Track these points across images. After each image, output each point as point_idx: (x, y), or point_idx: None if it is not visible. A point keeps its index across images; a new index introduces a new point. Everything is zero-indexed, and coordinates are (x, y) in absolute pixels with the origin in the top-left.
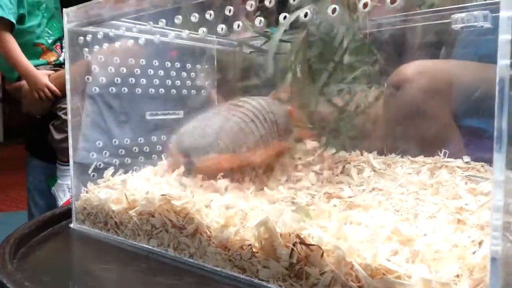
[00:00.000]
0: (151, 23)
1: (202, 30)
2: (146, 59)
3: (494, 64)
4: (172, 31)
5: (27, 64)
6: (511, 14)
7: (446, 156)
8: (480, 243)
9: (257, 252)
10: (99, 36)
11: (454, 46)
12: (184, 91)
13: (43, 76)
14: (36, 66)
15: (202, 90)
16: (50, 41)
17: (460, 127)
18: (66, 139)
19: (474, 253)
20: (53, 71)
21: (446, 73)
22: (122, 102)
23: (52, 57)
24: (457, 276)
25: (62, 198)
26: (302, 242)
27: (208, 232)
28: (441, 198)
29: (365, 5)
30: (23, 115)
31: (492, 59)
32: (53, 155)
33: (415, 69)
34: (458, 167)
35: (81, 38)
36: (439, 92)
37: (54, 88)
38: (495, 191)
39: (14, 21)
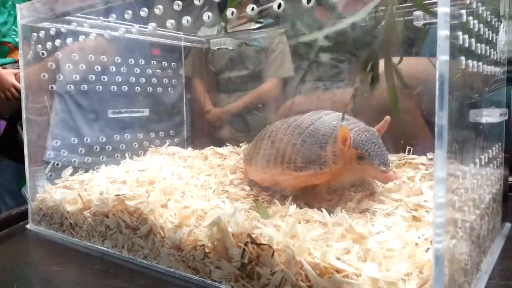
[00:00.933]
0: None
1: (170, 23)
2: (108, 55)
3: None
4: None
5: None
6: (448, 10)
7: (411, 153)
8: (432, 241)
9: (210, 253)
10: (52, 32)
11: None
12: (150, 89)
13: (9, 75)
14: (2, 65)
15: (169, 88)
16: (17, 39)
17: (431, 124)
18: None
19: (426, 250)
20: (18, 70)
21: (415, 70)
22: (88, 100)
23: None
24: (407, 274)
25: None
26: (254, 241)
27: (162, 233)
28: (402, 195)
29: None
30: None
31: None
32: (23, 155)
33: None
34: (422, 164)
35: (35, 34)
36: (410, 90)
37: (20, 87)
38: (437, 188)
39: None
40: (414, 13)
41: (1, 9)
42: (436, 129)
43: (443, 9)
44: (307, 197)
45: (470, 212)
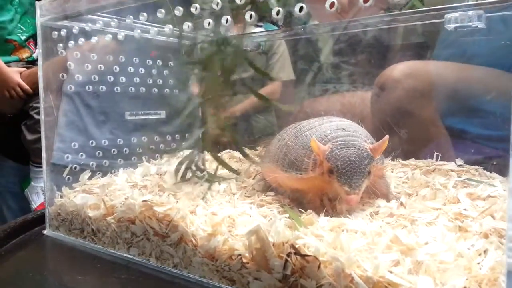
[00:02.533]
0: (131, 17)
1: (187, 25)
2: (125, 56)
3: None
4: (153, 27)
5: None
6: None
7: (439, 159)
8: (485, 252)
9: (248, 263)
10: (75, 31)
11: (447, 47)
12: (166, 90)
13: (14, 73)
14: (7, 63)
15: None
16: (23, 37)
17: (446, 129)
18: (39, 140)
19: (479, 263)
20: (25, 68)
21: (433, 74)
22: (100, 101)
23: (24, 54)
24: None
25: (36, 201)
26: (297, 252)
27: (194, 241)
28: (438, 203)
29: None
30: None
31: (480, 60)
32: (26, 156)
33: (402, 70)
34: (451, 170)
35: (55, 32)
36: (427, 94)
37: (26, 86)
38: (510, 199)
39: None
40: (445, 16)
41: (7, 6)
42: (511, 140)
43: None
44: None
45: None
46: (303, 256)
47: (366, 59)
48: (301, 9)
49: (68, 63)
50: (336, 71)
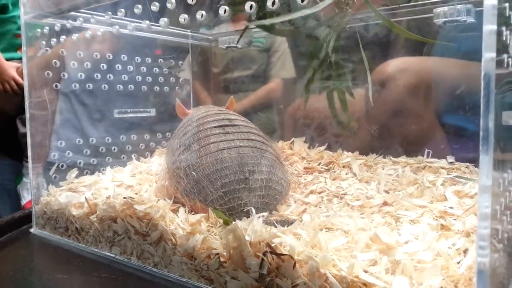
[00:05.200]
0: (109, 13)
1: (164, 21)
2: (113, 53)
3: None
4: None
5: None
6: (496, 2)
7: (430, 156)
8: (465, 252)
9: (225, 262)
10: (57, 28)
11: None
12: (156, 88)
13: (11, 68)
14: (11, 59)
15: (176, 87)
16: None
17: (441, 126)
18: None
19: (459, 262)
20: (21, 65)
21: (429, 70)
22: (92, 99)
23: (29, 52)
24: None
25: (26, 197)
26: (273, 251)
27: (173, 240)
28: (425, 201)
29: None
30: None
31: (475, 56)
32: (21, 152)
33: (397, 66)
34: (442, 167)
35: (39, 30)
36: (422, 90)
37: (21, 81)
38: (481, 196)
39: None
40: (434, 10)
41: (19, 4)
42: (481, 133)
43: (490, 1)
44: None
45: (508, 222)
46: (279, 255)
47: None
48: None
49: (54, 61)
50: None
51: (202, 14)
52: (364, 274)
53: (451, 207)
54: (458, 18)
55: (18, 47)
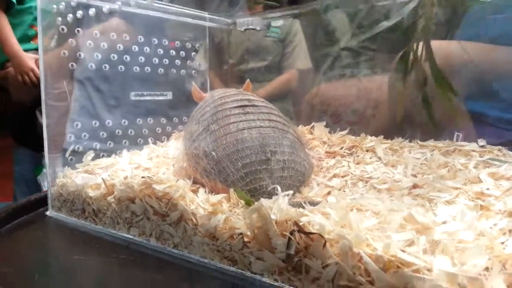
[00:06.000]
0: None
1: None
2: (129, 36)
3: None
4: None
5: (15, 44)
6: None
7: (459, 140)
8: (510, 232)
9: (249, 242)
10: (79, 15)
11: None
12: (173, 71)
13: (29, 59)
14: (26, 50)
15: (193, 71)
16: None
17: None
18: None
19: (503, 243)
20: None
21: (455, 55)
22: (110, 84)
23: None
24: (486, 269)
25: (47, 186)
26: (301, 230)
27: (194, 220)
28: (458, 183)
29: None
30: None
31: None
32: (40, 143)
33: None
34: (473, 150)
35: (59, 19)
36: (450, 74)
37: (39, 72)
38: None
39: (14, 1)
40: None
41: None
42: None
43: None
44: None
45: None
46: (307, 234)
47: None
48: None
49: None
50: (355, 56)
51: None
52: (402, 253)
53: (487, 189)
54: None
55: (32, 38)
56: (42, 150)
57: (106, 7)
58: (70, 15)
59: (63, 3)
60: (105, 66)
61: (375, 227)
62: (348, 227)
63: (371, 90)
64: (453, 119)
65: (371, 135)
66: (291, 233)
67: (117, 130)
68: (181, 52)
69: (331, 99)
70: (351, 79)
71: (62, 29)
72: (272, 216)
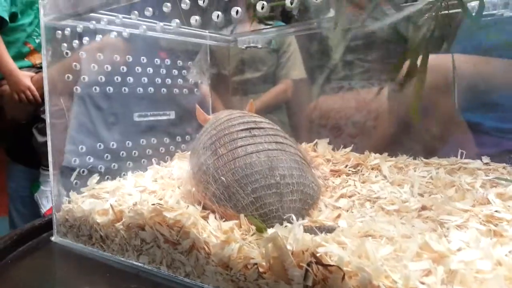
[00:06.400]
0: (136, 13)
1: (195, 19)
2: (133, 55)
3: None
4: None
5: (11, 63)
6: None
7: (463, 157)
8: None
9: (265, 273)
10: (79, 29)
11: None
12: (176, 90)
13: (25, 77)
14: (20, 68)
15: (195, 89)
16: (38, 41)
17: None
18: None
19: None
20: (35, 74)
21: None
22: (111, 102)
23: (38, 59)
24: None
25: (45, 205)
26: (319, 262)
27: (207, 249)
28: (467, 205)
29: None
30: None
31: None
32: (36, 160)
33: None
34: (478, 168)
35: (59, 32)
36: (446, 88)
37: (35, 91)
38: None
39: (7, 18)
40: (468, 4)
41: (28, 10)
42: None
43: None
44: None
45: None
46: (326, 266)
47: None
48: None
49: (74, 64)
50: (351, 67)
51: (218, 15)
52: (421, 285)
53: (496, 211)
54: (495, 12)
55: (25, 55)
56: (38, 167)
57: (113, 33)
58: (76, 41)
59: (68, 29)
60: (101, 78)
61: (391, 255)
62: (365, 257)
63: (370, 102)
64: (451, 131)
65: (373, 147)
66: (308, 265)
67: (121, 152)
68: (183, 71)
69: (330, 112)
70: (349, 91)
71: (67, 53)
72: (288, 247)
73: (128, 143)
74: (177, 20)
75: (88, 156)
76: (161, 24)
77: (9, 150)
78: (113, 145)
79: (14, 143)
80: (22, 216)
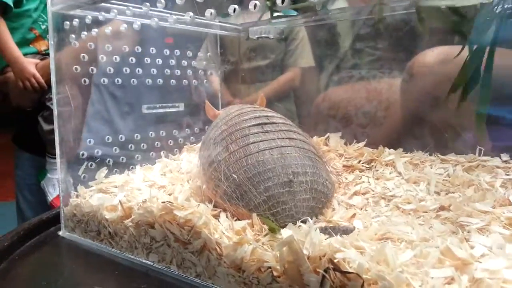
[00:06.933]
0: (148, 4)
1: (210, 12)
2: (143, 46)
3: None
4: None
5: (15, 49)
6: None
7: (482, 154)
8: None
9: (279, 277)
10: (87, 20)
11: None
12: (185, 82)
13: (30, 64)
14: (25, 54)
15: (205, 80)
16: (43, 27)
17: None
18: None
19: None
20: (39, 60)
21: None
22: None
23: (43, 46)
24: None
25: (52, 193)
26: (337, 268)
27: (218, 250)
28: (487, 206)
29: None
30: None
31: None
32: (42, 148)
33: (435, 55)
34: (497, 166)
35: (67, 22)
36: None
37: (40, 79)
38: None
39: (11, 4)
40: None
41: None
42: None
43: None
44: None
45: None
46: (344, 273)
47: (394, 44)
48: None
49: (82, 55)
50: (362, 57)
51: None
52: None
53: None
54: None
55: (30, 41)
56: (45, 155)
57: (124, 25)
58: (85, 33)
59: (76, 20)
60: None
61: (411, 261)
62: (384, 263)
63: (381, 92)
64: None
65: (382, 138)
66: (326, 271)
67: (130, 145)
68: (183, 61)
69: (340, 102)
70: (359, 81)
71: (75, 44)
72: (305, 251)
73: (137, 136)
74: (191, 13)
75: (97, 150)
76: (174, 16)
77: (15, 138)
78: (121, 138)
79: (20, 131)
80: (29, 204)
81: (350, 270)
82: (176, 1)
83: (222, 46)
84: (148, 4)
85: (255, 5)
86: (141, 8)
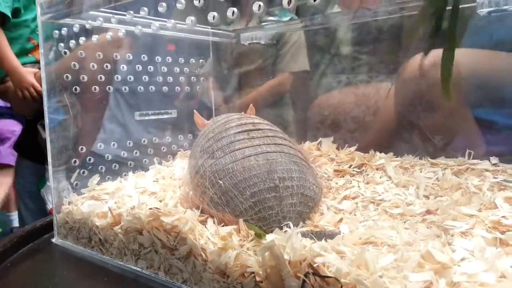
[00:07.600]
0: (132, 12)
1: (190, 20)
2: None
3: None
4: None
5: (14, 60)
6: None
7: (471, 157)
8: None
9: (262, 282)
10: (75, 29)
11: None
12: (177, 88)
13: (29, 74)
14: (24, 64)
15: (198, 87)
16: None
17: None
18: None
19: None
20: (38, 70)
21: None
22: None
23: None
24: None
25: (51, 201)
26: (316, 273)
27: (204, 255)
28: (473, 209)
29: None
30: None
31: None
32: (42, 156)
33: (431, 59)
34: (486, 170)
35: (56, 32)
36: (459, 85)
37: (39, 88)
38: None
39: (9, 14)
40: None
41: (31, 6)
42: None
43: None
44: None
45: None
46: (323, 277)
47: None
48: None
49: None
50: (352, 61)
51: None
52: None
53: (503, 217)
54: (506, 7)
55: (29, 51)
56: (45, 163)
57: (109, 34)
58: (73, 41)
59: (65, 29)
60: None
61: (392, 265)
62: (364, 267)
63: (369, 96)
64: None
65: (370, 142)
66: (306, 275)
67: (122, 152)
68: (185, 68)
69: (329, 108)
70: (346, 86)
71: (65, 52)
72: (286, 256)
73: (130, 143)
74: (192, 18)
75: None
76: (173, 21)
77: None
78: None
79: (21, 139)
80: (31, 212)
81: (329, 275)
82: (176, 7)
83: (216, 54)
84: (146, 9)
85: (259, 6)
86: (122, 15)
